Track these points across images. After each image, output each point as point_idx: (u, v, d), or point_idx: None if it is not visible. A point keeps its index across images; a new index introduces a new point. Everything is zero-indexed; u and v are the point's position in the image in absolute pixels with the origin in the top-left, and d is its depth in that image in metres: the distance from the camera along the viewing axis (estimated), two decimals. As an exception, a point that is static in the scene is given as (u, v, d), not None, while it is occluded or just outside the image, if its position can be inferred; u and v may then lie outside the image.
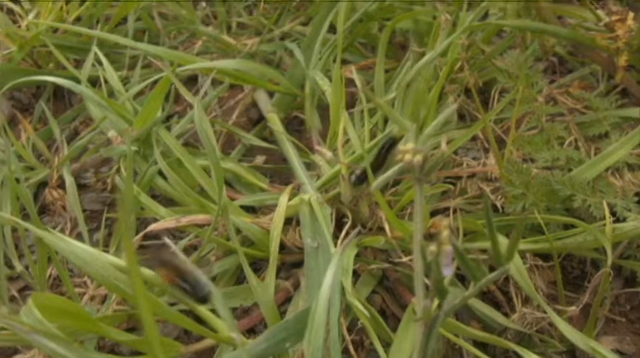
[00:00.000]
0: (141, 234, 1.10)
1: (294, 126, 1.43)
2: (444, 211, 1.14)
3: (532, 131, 1.20)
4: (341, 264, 0.95)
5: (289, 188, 1.17)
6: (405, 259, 1.06)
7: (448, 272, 0.63)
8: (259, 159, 1.35)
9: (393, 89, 1.33)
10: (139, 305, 0.58)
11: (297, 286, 1.10)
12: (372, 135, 1.25)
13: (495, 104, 1.27)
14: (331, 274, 0.84)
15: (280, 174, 1.32)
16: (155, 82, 1.43)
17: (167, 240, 0.87)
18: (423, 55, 1.35)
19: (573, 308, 0.99)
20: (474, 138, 1.27)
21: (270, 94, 1.47)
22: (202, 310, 0.96)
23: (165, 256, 0.85)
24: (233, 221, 1.08)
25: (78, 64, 1.57)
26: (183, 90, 1.17)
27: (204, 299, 0.85)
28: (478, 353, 0.94)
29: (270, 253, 1.08)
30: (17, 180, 1.19)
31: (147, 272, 0.96)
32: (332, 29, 1.49)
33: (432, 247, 0.63)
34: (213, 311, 0.95)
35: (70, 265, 1.18)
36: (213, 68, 1.33)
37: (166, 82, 1.25)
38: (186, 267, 0.84)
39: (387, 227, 1.08)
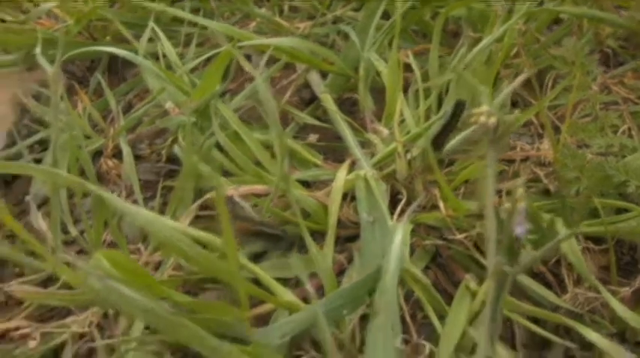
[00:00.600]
0: (200, 201, 1.12)
1: (347, 107, 1.43)
2: (497, 193, 1.15)
3: (585, 118, 1.20)
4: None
5: (346, 163, 1.19)
6: (459, 236, 1.08)
7: (521, 230, 0.64)
8: (312, 138, 1.36)
9: (445, 75, 1.34)
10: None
11: (350, 260, 1.11)
12: (427, 117, 1.27)
13: (549, 91, 1.28)
14: (400, 234, 0.85)
15: (333, 151, 1.33)
16: (209, 59, 1.45)
17: (237, 198, 0.88)
18: (478, 40, 1.36)
19: (626, 289, 1.00)
20: (528, 124, 1.28)
21: (323, 76, 1.48)
22: (261, 275, 0.98)
23: (240, 212, 0.86)
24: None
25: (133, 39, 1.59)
26: (244, 63, 1.19)
27: (290, 246, 0.86)
28: (531, 325, 0.96)
29: (326, 225, 1.10)
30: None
31: (206, 236, 0.97)
32: (383, 16, 1.50)
33: (506, 204, 0.64)
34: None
35: (124, 232, 1.20)
36: (269, 45, 1.35)
37: (226, 56, 1.27)
38: (264, 221, 0.85)
39: (441, 205, 1.10)
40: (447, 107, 1.10)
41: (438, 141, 1.14)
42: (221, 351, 0.79)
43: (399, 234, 0.89)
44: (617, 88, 1.30)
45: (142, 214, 0.93)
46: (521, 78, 0.67)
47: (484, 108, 0.64)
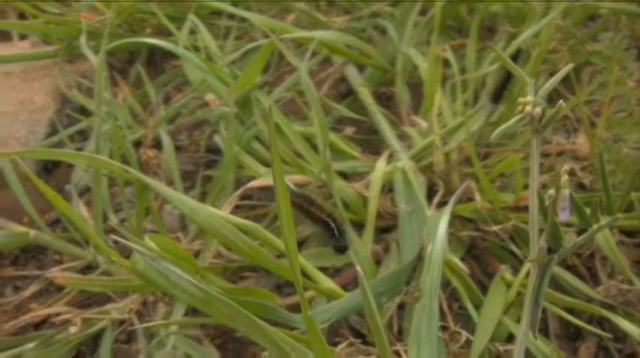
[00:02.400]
0: (241, 190, 1.13)
1: (382, 101, 1.45)
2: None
3: (621, 113, 1.21)
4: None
5: (385, 154, 1.20)
6: (494, 228, 1.09)
7: (565, 216, 0.65)
8: (349, 130, 1.38)
9: (483, 68, 1.36)
10: (287, 246, 0.61)
11: (387, 250, 1.12)
12: (463, 111, 1.28)
13: (585, 87, 1.29)
14: (445, 222, 0.87)
15: (370, 144, 1.35)
16: (247, 51, 1.47)
17: (292, 186, 0.89)
18: (514, 36, 1.38)
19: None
20: (563, 119, 1.29)
21: (360, 70, 1.50)
22: (303, 263, 1.00)
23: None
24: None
25: (173, 33, 1.61)
26: (287, 54, 1.21)
27: (343, 248, 0.88)
28: (566, 315, 0.98)
29: (364, 216, 1.12)
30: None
31: (248, 224, 0.99)
32: (419, 12, 1.51)
33: (551, 191, 0.65)
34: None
35: (163, 221, 1.22)
36: (308, 38, 1.37)
37: (268, 47, 1.29)
38: (318, 203, 0.86)
39: (477, 197, 1.11)
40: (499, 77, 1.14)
41: (497, 95, 1.18)
42: (269, 334, 0.81)
43: (445, 222, 0.90)
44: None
45: (185, 201, 0.96)
46: (562, 72, 0.67)
47: (529, 98, 0.65)
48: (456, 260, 0.98)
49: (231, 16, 1.61)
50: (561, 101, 0.64)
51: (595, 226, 0.66)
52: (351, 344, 0.95)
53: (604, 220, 0.67)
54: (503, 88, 1.19)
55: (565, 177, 0.64)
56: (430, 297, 0.83)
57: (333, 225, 0.87)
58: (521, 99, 0.66)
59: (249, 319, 0.79)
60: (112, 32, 1.56)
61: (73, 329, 1.06)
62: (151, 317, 1.08)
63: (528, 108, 0.65)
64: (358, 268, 0.73)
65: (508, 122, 0.66)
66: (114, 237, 0.86)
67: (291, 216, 0.68)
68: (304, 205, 0.88)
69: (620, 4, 1.27)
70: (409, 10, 1.49)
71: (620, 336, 1.02)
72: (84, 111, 1.47)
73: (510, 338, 0.99)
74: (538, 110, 0.64)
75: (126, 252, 1.10)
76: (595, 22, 1.43)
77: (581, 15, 1.42)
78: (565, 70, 0.68)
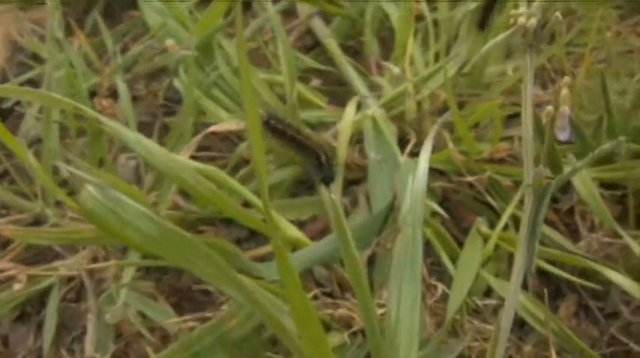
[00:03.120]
0: (202, 134, 1.07)
1: (350, 54, 1.39)
2: (508, 139, 1.11)
3: (600, 65, 1.17)
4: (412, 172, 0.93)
5: (354, 100, 1.14)
6: (470, 178, 1.04)
7: (565, 136, 0.59)
8: (315, 82, 1.32)
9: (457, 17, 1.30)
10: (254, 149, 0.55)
11: (355, 204, 1.07)
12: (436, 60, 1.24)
13: (564, 33, 1.24)
14: (427, 150, 0.80)
15: (337, 96, 1.29)
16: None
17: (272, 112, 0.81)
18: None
19: (644, 238, 0.96)
20: (540, 69, 1.24)
21: (326, 22, 1.44)
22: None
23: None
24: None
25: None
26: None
27: (329, 179, 0.80)
28: (548, 266, 0.93)
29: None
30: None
31: (210, 169, 0.93)
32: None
33: (549, 108, 0.59)
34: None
35: (117, 173, 1.16)
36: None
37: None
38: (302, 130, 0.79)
39: (451, 145, 1.06)
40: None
41: (482, 22, 1.17)
42: (234, 278, 0.73)
43: (427, 151, 0.83)
44: (631, 37, 1.25)
45: (143, 142, 0.89)
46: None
47: (523, 9, 0.59)
48: (434, 204, 0.93)
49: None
50: (557, 13, 0.58)
51: (597, 149, 0.60)
52: (316, 297, 0.89)
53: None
54: (487, 14, 1.17)
55: (565, 91, 0.57)
56: (414, 228, 0.76)
57: (322, 154, 0.80)
58: (513, 12, 0.60)
59: (212, 260, 0.71)
60: (68, -21, 1.49)
61: (17, 286, 1.00)
62: (102, 274, 1.02)
63: (522, 19, 0.58)
64: (333, 196, 0.66)
65: (499, 36, 0.60)
66: (61, 164, 0.79)
67: (262, 144, 0.62)
68: (288, 132, 0.80)
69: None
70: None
71: (601, 295, 0.97)
72: (37, 60, 1.40)
73: (488, 293, 0.95)
74: (533, 21, 0.58)
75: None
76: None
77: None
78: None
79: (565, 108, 0.58)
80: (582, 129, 0.59)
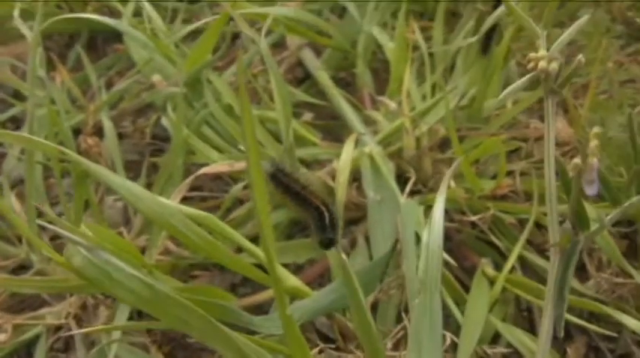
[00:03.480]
0: (192, 176, 1.03)
1: (342, 86, 1.36)
2: (509, 174, 1.08)
3: (602, 96, 1.14)
4: (414, 213, 0.90)
5: (352, 137, 1.10)
6: (473, 218, 1.00)
7: (593, 191, 0.54)
8: (307, 116, 1.28)
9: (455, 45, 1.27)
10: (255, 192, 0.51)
11: (353, 245, 1.04)
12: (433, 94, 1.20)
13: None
14: (442, 201, 0.76)
15: (330, 130, 1.26)
16: (195, 32, 1.36)
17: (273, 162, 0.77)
18: (483, 16, 1.29)
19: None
20: (540, 101, 1.21)
21: (317, 54, 1.40)
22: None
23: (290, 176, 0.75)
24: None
25: (115, 14, 1.50)
26: (244, 26, 1.09)
27: (330, 242, 0.76)
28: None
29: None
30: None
31: (202, 214, 0.89)
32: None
33: (576, 160, 0.55)
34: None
35: (104, 215, 1.12)
36: (264, 15, 1.26)
37: (222, 20, 1.19)
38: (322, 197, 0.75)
39: (453, 184, 1.02)
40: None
41: (485, 45, 1.16)
42: (230, 340, 0.69)
43: (441, 202, 0.79)
44: (632, 66, 1.23)
45: (130, 188, 0.84)
46: (578, 24, 0.58)
47: (543, 52, 0.55)
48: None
49: (181, -3, 1.51)
50: (580, 55, 0.54)
51: (626, 203, 0.56)
52: (321, 351, 0.85)
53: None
54: (490, 39, 1.16)
55: (595, 142, 0.53)
56: (431, 292, 0.72)
57: (326, 213, 0.75)
58: (532, 55, 0.56)
59: (207, 322, 0.67)
60: (51, 12, 1.44)
61: (2, 337, 0.96)
62: (91, 323, 0.98)
63: (543, 63, 0.54)
64: (343, 256, 0.62)
65: (518, 81, 0.56)
66: (43, 223, 0.74)
67: (266, 197, 0.58)
68: (294, 187, 0.76)
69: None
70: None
71: (612, 336, 0.93)
72: (18, 97, 1.35)
73: (496, 339, 0.92)
74: (554, 66, 0.54)
75: (62, 249, 1.00)
76: (572, 2, 1.35)
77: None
78: (580, 21, 0.58)
79: (594, 161, 0.53)
80: (610, 182, 0.54)
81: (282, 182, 0.74)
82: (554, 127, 0.56)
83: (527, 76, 0.55)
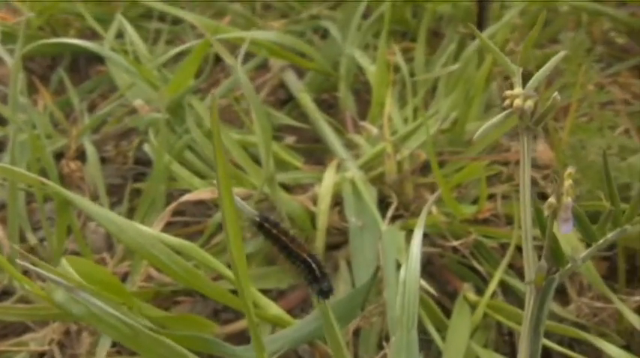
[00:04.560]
0: (174, 204, 1.03)
1: (324, 108, 1.36)
2: (490, 198, 1.08)
3: (582, 118, 1.14)
4: (395, 240, 0.90)
5: (334, 163, 1.11)
6: (455, 243, 1.01)
7: (567, 229, 0.55)
8: (290, 139, 1.28)
9: (436, 71, 1.28)
10: (229, 237, 0.51)
11: (336, 269, 1.03)
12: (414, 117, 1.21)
13: (544, 89, 1.21)
14: (419, 235, 0.77)
15: (312, 154, 1.26)
16: (178, 55, 1.36)
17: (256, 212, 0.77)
18: (465, 38, 1.30)
19: (636, 298, 0.93)
20: (521, 124, 1.21)
21: (299, 75, 1.41)
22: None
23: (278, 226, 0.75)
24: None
25: (98, 36, 1.50)
26: (224, 53, 1.10)
27: (328, 292, 0.75)
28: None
29: (310, 231, 1.03)
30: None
31: (182, 243, 0.89)
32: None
33: (551, 199, 0.55)
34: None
35: (88, 240, 1.11)
36: (245, 39, 1.27)
37: (203, 46, 1.19)
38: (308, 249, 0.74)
39: (434, 210, 1.03)
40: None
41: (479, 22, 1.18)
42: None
43: (419, 236, 0.80)
44: (612, 88, 1.23)
45: (111, 218, 0.84)
46: (554, 60, 0.58)
47: (518, 90, 0.56)
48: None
49: (162, 19, 1.51)
50: (556, 93, 0.54)
51: (601, 239, 0.57)
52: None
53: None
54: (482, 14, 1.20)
55: (569, 182, 0.54)
56: (407, 328, 0.73)
57: (315, 266, 0.75)
58: (508, 92, 0.56)
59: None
60: (33, 35, 1.44)
61: (-15, 365, 0.95)
62: (75, 349, 0.97)
63: (518, 101, 0.55)
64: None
65: (493, 119, 0.56)
66: (23, 263, 0.74)
67: (242, 245, 0.58)
68: (282, 239, 0.76)
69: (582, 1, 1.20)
70: (353, 11, 1.40)
71: (592, 359, 0.94)
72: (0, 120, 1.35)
73: (479, 365, 0.91)
74: (530, 103, 0.54)
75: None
76: (552, 23, 1.36)
77: (538, 14, 1.34)
78: (557, 57, 0.58)
79: (569, 200, 0.54)
80: (585, 218, 0.55)
81: (270, 233, 0.74)
82: (529, 167, 0.57)
83: (503, 113, 0.56)
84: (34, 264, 0.73)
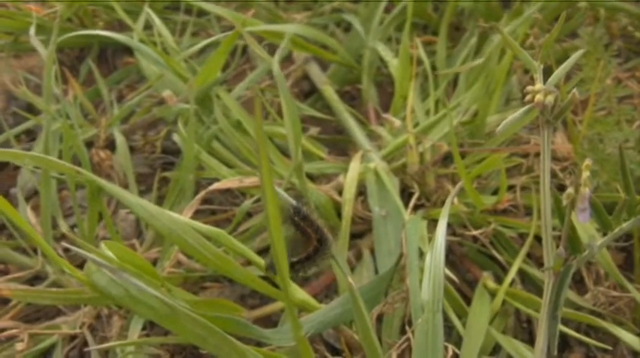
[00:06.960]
0: (203, 193, 1.06)
1: (347, 100, 1.38)
2: (510, 189, 1.10)
3: (600, 112, 1.16)
4: (417, 228, 0.93)
5: (358, 155, 1.13)
6: (474, 232, 1.03)
7: (585, 218, 0.58)
8: (313, 130, 1.31)
9: (457, 66, 1.30)
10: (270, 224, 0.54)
11: (359, 257, 1.06)
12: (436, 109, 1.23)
13: (562, 83, 1.23)
14: (444, 224, 0.79)
15: (336, 145, 1.28)
16: (204, 48, 1.39)
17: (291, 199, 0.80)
18: (486, 32, 1.32)
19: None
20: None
21: (322, 68, 1.43)
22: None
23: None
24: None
25: (125, 28, 1.53)
26: (254, 45, 1.12)
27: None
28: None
29: (335, 220, 1.06)
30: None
31: (212, 229, 0.92)
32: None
33: (569, 190, 0.58)
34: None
35: (117, 227, 1.15)
36: (272, 32, 1.30)
37: (232, 39, 1.21)
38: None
39: (455, 200, 1.05)
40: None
41: None
42: (240, 353, 0.73)
43: (443, 225, 0.82)
44: (630, 82, 1.25)
45: (144, 205, 0.87)
46: (573, 58, 0.61)
47: (539, 85, 0.58)
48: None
49: (188, 11, 1.53)
50: (574, 89, 0.57)
51: (617, 228, 0.59)
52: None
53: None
54: None
55: (587, 173, 0.56)
56: (433, 312, 0.75)
57: (320, 248, 0.79)
58: (529, 88, 0.59)
59: (222, 337, 0.71)
60: (62, 26, 1.47)
61: (19, 346, 0.97)
62: (105, 332, 1.00)
63: (539, 96, 0.57)
64: (350, 280, 0.65)
65: (515, 113, 0.59)
66: (65, 244, 0.77)
67: (282, 235, 0.61)
68: (308, 231, 0.79)
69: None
70: (375, 5, 1.42)
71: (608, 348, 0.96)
72: (31, 110, 1.38)
73: (496, 350, 0.94)
74: (550, 99, 0.57)
75: (77, 261, 1.02)
76: (572, 18, 1.37)
77: (557, 10, 1.36)
78: (577, 54, 0.61)
79: (586, 191, 0.57)
80: (601, 209, 0.57)
81: (299, 225, 0.77)
82: (549, 160, 0.60)
83: (525, 108, 0.58)
84: (78, 247, 0.76)
